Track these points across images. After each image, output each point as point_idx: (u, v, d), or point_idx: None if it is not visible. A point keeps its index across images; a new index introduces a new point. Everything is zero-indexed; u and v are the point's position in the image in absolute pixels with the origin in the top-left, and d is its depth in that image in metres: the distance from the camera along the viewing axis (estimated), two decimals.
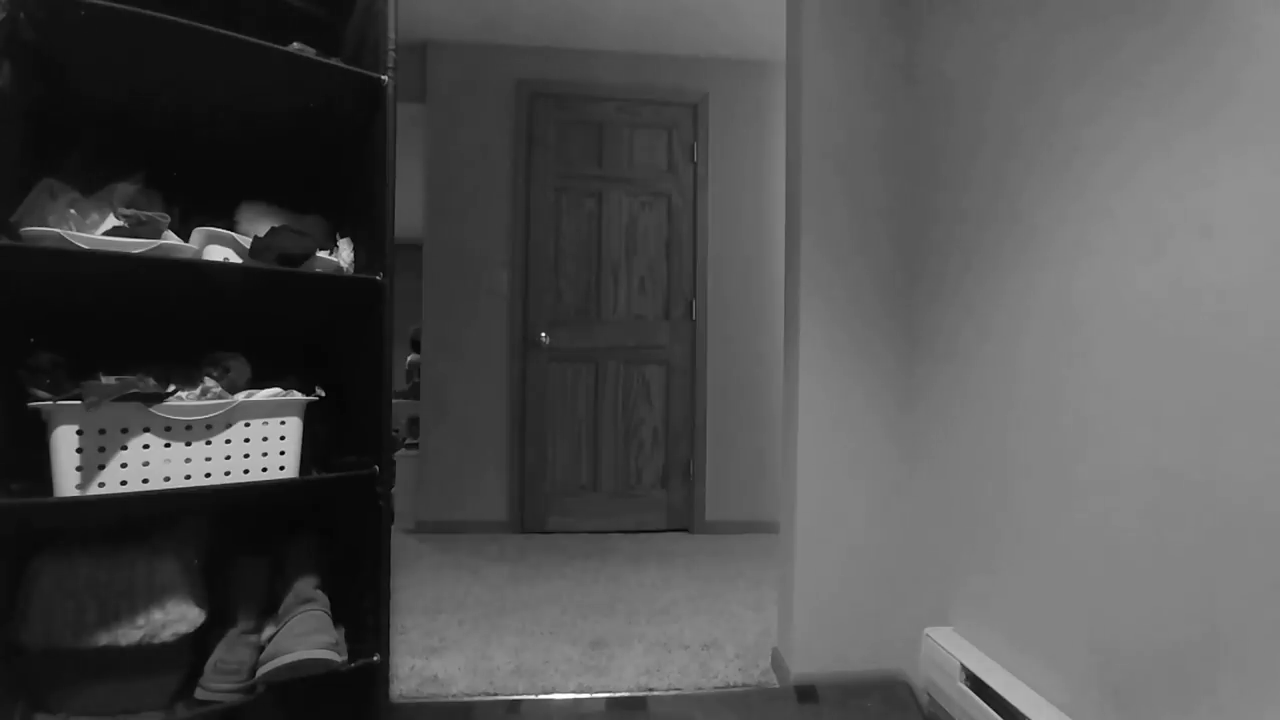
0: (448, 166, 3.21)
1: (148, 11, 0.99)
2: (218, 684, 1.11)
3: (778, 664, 1.79)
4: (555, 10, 2.94)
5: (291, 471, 1.21)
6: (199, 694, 1.11)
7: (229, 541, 1.29)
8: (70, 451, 0.99)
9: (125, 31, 1.02)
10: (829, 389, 1.72)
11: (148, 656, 1.07)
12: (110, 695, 1.06)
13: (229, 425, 1.13)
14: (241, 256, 1.18)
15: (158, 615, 1.07)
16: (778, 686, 1.72)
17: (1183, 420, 0.93)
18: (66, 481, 0.99)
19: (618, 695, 1.65)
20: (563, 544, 3.00)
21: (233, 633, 1.18)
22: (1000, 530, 1.35)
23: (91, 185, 1.12)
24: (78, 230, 1.04)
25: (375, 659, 1.21)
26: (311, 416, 1.25)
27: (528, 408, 3.20)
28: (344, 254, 1.29)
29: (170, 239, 1.11)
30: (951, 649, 1.39)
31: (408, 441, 3.74)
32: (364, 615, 1.26)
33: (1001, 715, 1.19)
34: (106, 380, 1.02)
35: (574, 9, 2.93)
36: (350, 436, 1.33)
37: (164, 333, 1.24)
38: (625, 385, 3.27)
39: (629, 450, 3.27)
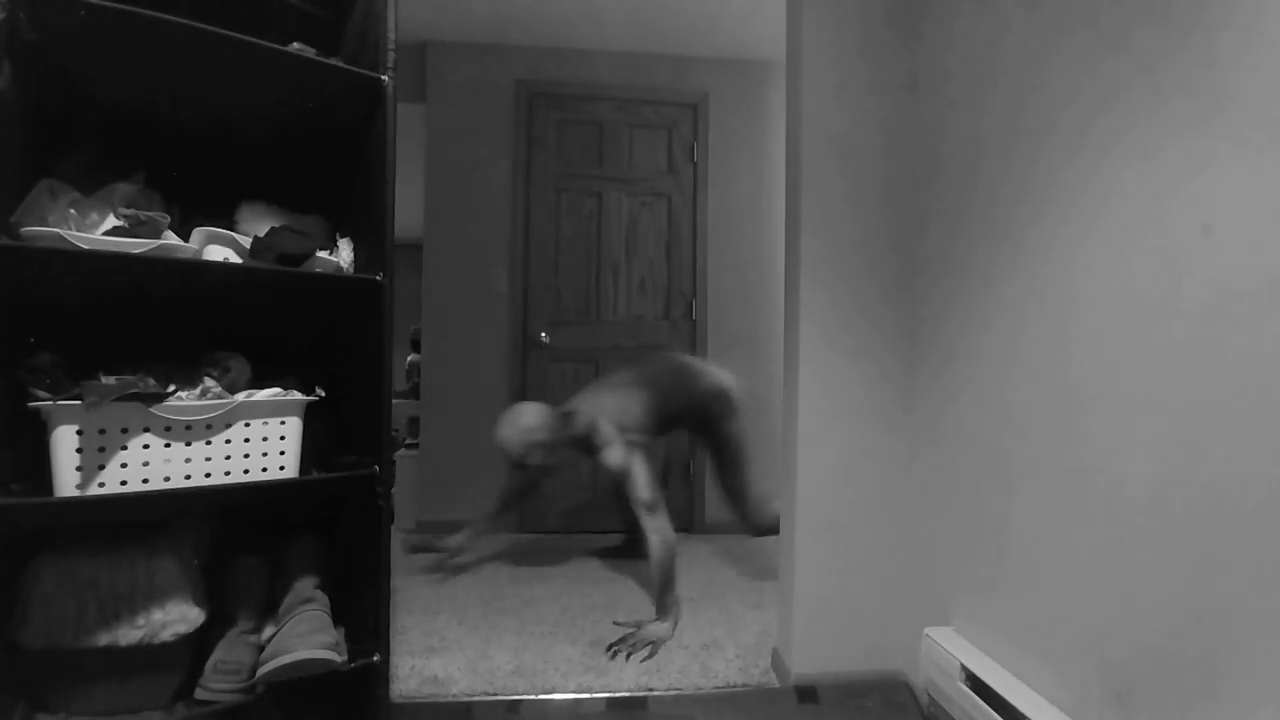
0: (448, 166, 3.21)
1: (148, 11, 0.99)
2: (218, 684, 1.11)
3: (778, 664, 1.79)
4: (555, 10, 2.94)
5: (291, 471, 1.21)
6: (199, 694, 1.11)
7: (229, 541, 1.29)
8: (70, 452, 0.99)
9: (125, 31, 1.02)
10: (829, 389, 1.72)
11: (148, 656, 1.07)
12: (110, 695, 1.06)
13: (229, 425, 1.13)
14: (241, 256, 1.18)
15: (158, 615, 1.08)
16: (778, 686, 1.72)
17: (1184, 420, 0.93)
18: (66, 481, 0.99)
19: (618, 695, 1.65)
20: (563, 544, 3.00)
21: (233, 633, 1.18)
22: (1000, 530, 1.35)
23: (91, 185, 1.12)
24: (78, 230, 1.04)
25: (375, 659, 1.21)
26: (311, 416, 1.26)
27: None
28: (344, 254, 1.29)
29: (170, 239, 1.11)
30: (951, 649, 1.39)
31: (408, 441, 3.74)
32: (364, 615, 1.26)
33: (1001, 715, 1.19)
34: (106, 380, 1.02)
35: (574, 9, 2.93)
36: (350, 436, 1.33)
37: (164, 333, 1.24)
38: None
39: None
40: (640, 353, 3.26)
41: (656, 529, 2.07)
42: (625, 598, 2.32)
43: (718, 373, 2.55)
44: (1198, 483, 0.91)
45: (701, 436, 2.56)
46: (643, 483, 2.11)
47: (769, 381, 3.28)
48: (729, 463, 2.52)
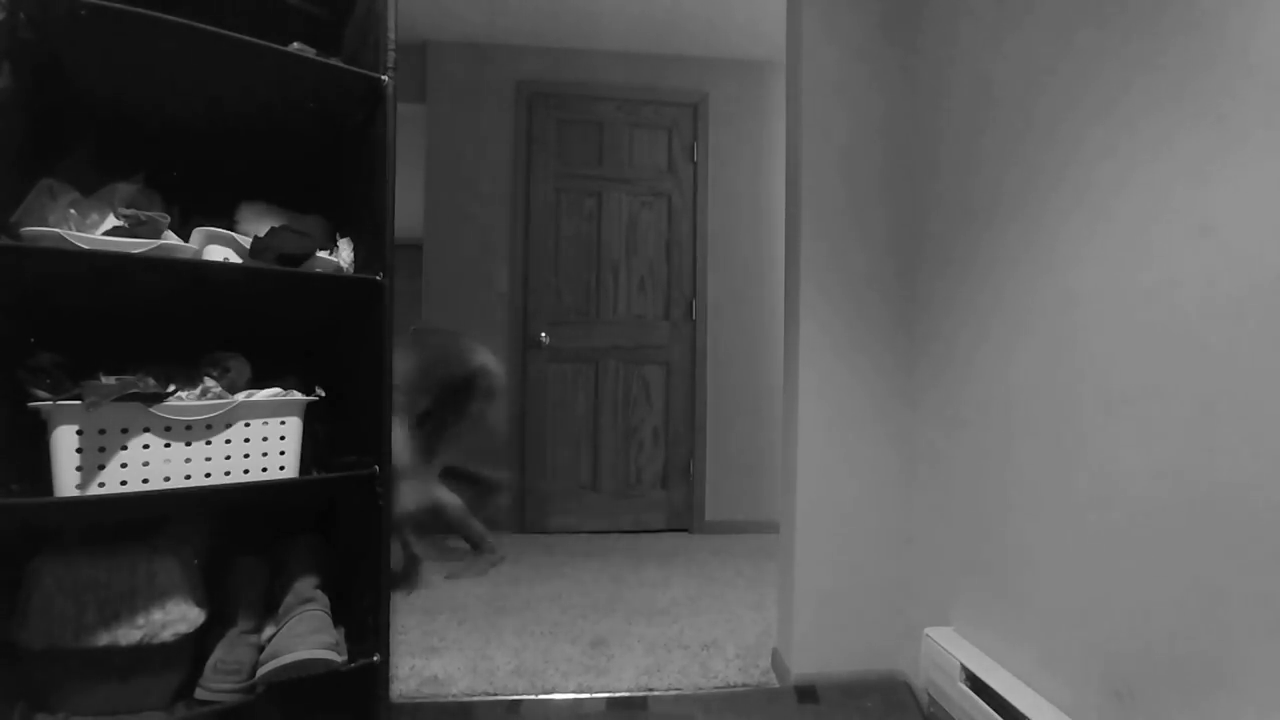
0: (448, 166, 3.21)
1: (148, 11, 0.99)
2: (218, 684, 1.11)
3: (778, 664, 1.79)
4: (555, 10, 2.94)
5: (291, 471, 1.20)
6: (199, 694, 1.11)
7: (229, 541, 1.29)
8: (70, 451, 0.99)
9: (125, 31, 1.02)
10: (829, 388, 1.72)
11: (148, 656, 1.07)
12: (110, 695, 1.06)
13: (229, 425, 1.13)
14: (241, 256, 1.18)
15: (158, 615, 1.07)
16: (778, 686, 1.72)
17: (1183, 420, 0.93)
18: (66, 481, 0.99)
19: (618, 695, 1.65)
20: (563, 544, 3.00)
21: (233, 633, 1.18)
22: (1000, 529, 1.35)
23: (91, 185, 1.12)
24: (78, 230, 1.04)
25: (375, 659, 1.21)
26: (311, 416, 1.25)
27: (528, 408, 3.20)
28: (344, 254, 1.29)
29: (170, 239, 1.11)
30: (951, 649, 1.39)
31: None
32: (364, 615, 1.26)
33: (1001, 715, 1.19)
34: (106, 380, 1.02)
35: (574, 9, 2.93)
36: (350, 436, 1.33)
37: (164, 333, 1.24)
38: (625, 385, 3.27)
39: (629, 450, 3.27)
40: (640, 352, 3.26)
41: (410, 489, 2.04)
42: (625, 598, 2.32)
43: (485, 353, 2.58)
44: (1198, 484, 0.91)
45: (449, 409, 2.53)
46: (398, 449, 2.05)
47: (769, 382, 3.28)
48: (454, 438, 2.52)
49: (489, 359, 2.57)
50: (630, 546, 2.97)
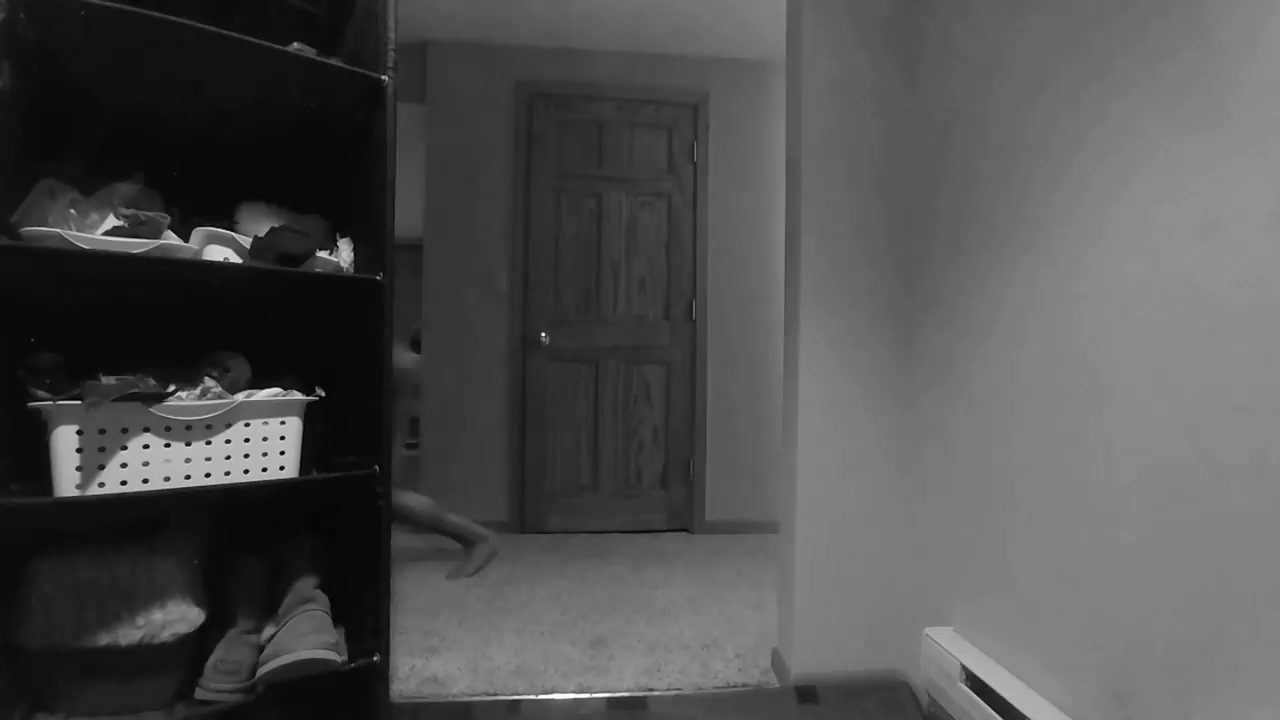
0: (448, 166, 3.21)
1: (148, 11, 0.99)
2: (218, 684, 1.11)
3: (778, 664, 1.79)
4: (555, 10, 2.94)
5: (291, 471, 1.20)
6: (199, 694, 1.11)
7: (229, 541, 1.29)
8: (70, 451, 0.99)
9: (125, 31, 1.02)
10: (829, 388, 1.72)
11: (148, 656, 1.07)
12: (110, 695, 1.06)
13: (229, 425, 1.13)
14: (241, 256, 1.18)
15: (157, 615, 1.07)
16: (778, 686, 1.72)
17: (1184, 421, 0.93)
18: (66, 482, 0.99)
19: (618, 695, 1.65)
20: (563, 544, 3.00)
21: (233, 633, 1.18)
22: (1000, 530, 1.35)
23: (91, 185, 1.12)
24: (78, 230, 1.03)
25: (375, 659, 1.21)
26: (311, 416, 1.25)
27: (528, 408, 3.20)
28: (344, 254, 1.29)
29: (170, 239, 1.11)
30: (952, 649, 1.39)
31: (408, 442, 3.73)
32: (364, 615, 1.26)
33: (1002, 715, 1.19)
34: (106, 380, 1.02)
35: (574, 9, 2.93)
36: (350, 436, 1.33)
37: (164, 333, 1.24)
38: (625, 385, 3.27)
39: (629, 450, 3.27)
40: (640, 352, 3.26)
41: None
42: (625, 598, 2.32)
43: (402, 354, 2.62)
44: (1198, 483, 0.91)
45: None
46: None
47: (769, 382, 3.28)
48: None
49: (404, 358, 2.62)
50: (630, 546, 2.97)
